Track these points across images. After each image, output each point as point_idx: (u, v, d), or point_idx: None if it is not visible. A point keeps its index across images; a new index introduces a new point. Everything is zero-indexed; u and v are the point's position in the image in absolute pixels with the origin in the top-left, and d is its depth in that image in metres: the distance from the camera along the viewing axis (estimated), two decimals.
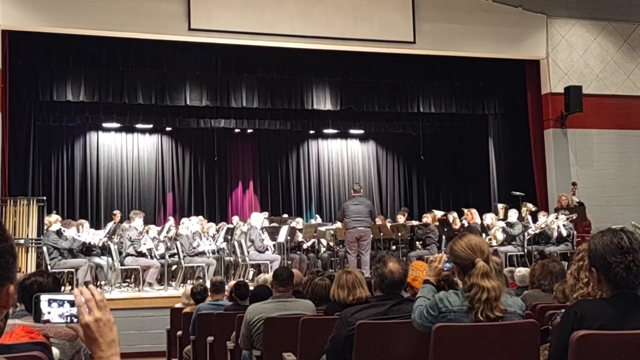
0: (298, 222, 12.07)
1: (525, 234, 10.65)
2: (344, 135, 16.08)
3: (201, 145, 15.16)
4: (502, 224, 10.94)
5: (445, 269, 3.24)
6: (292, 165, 15.94)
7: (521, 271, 5.91)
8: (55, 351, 2.84)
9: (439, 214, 12.11)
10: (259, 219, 11.06)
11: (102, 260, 9.92)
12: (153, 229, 10.77)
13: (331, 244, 11.61)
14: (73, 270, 9.27)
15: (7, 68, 10.00)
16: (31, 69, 10.82)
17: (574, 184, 11.67)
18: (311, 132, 15.50)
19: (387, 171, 16.47)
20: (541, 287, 4.61)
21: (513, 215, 10.90)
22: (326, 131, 15.49)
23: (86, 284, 8.78)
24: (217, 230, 11.79)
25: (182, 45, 10.99)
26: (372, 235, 10.50)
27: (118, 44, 10.81)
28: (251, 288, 6.43)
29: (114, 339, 1.52)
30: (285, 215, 13.65)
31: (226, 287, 7.10)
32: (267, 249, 10.61)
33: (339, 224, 10.98)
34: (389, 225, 11.42)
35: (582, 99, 11.98)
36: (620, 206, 12.11)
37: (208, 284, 8.03)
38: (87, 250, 10.00)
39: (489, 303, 2.80)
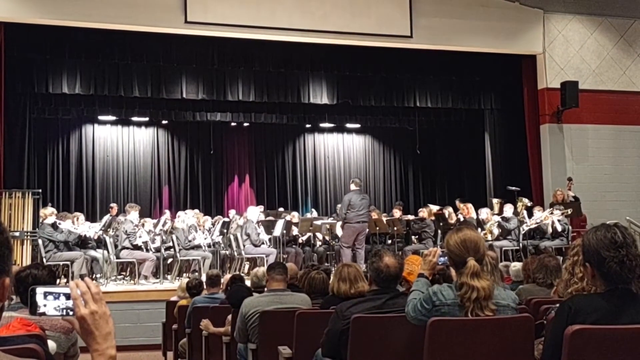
0: (294, 216, 12.07)
1: (521, 228, 10.67)
2: (340, 129, 16.07)
3: (197, 139, 15.14)
4: (498, 218, 10.96)
5: (439, 262, 3.24)
6: (288, 159, 15.93)
7: (516, 266, 5.94)
8: (51, 344, 2.85)
9: (434, 208, 12.12)
10: (254, 212, 11.06)
11: (98, 253, 9.91)
12: (149, 222, 10.76)
13: (327, 237, 11.62)
14: (68, 263, 9.26)
15: (2, 60, 9.96)
16: (26, 61, 10.77)
17: (569, 179, 11.69)
18: (307, 125, 15.48)
19: (383, 165, 16.48)
20: (536, 281, 4.63)
21: (508, 210, 10.92)
22: (322, 125, 15.47)
23: (82, 277, 8.78)
24: (213, 224, 11.79)
25: (179, 38, 10.96)
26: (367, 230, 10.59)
27: (114, 36, 10.77)
28: (247, 282, 6.46)
29: (109, 331, 1.53)
30: (281, 209, 13.65)
31: (222, 280, 7.10)
32: (262, 243, 10.61)
33: (332, 219, 10.96)
34: (384, 219, 11.44)
35: (578, 95, 12.00)
36: (616, 201, 12.15)
37: (204, 278, 8.04)
38: (82, 243, 9.99)
39: (479, 302, 2.80)
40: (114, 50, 11.00)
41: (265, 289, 4.92)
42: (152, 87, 11.51)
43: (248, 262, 10.61)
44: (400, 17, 11.41)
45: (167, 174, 15.01)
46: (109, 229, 10.09)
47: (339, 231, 10.87)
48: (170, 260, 10.49)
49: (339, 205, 11.72)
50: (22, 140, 11.21)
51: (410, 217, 12.37)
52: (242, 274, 8.06)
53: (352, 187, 10.46)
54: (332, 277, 4.29)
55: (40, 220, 9.56)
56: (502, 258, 9.96)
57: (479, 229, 10.61)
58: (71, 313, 1.53)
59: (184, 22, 10.48)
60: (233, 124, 14.75)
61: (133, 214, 10.23)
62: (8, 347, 2.25)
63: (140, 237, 10.01)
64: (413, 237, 11.70)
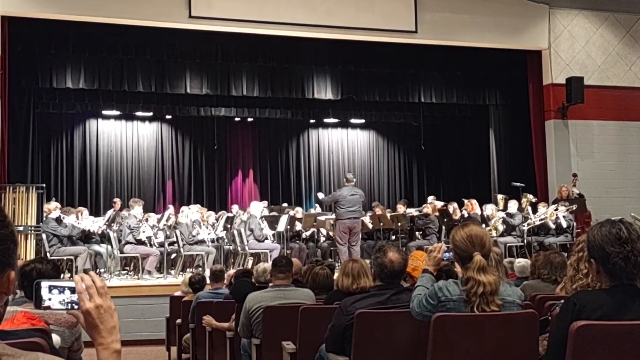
0: (298, 212, 12.07)
1: (525, 224, 10.65)
2: (344, 124, 16.06)
3: (201, 134, 15.14)
4: (503, 214, 10.94)
5: (444, 258, 3.24)
6: (292, 155, 15.93)
7: (521, 262, 5.92)
8: (55, 338, 2.85)
9: (439, 204, 12.11)
10: (258, 207, 11.05)
11: (102, 248, 9.93)
12: (152, 217, 10.77)
13: (330, 233, 11.62)
14: (72, 257, 9.28)
15: (6, 55, 9.96)
16: (31, 56, 10.78)
17: (574, 175, 11.66)
18: (312, 121, 15.48)
19: (387, 161, 16.47)
20: (541, 277, 4.62)
21: (513, 206, 10.90)
22: (327, 120, 15.47)
23: (86, 271, 8.80)
24: (217, 219, 11.79)
25: (183, 33, 10.95)
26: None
27: (118, 31, 10.74)
28: None
29: (114, 325, 1.53)
30: (285, 205, 13.65)
31: (225, 275, 7.11)
32: (266, 238, 10.61)
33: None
34: (388, 215, 11.42)
35: (583, 90, 11.95)
36: (620, 198, 12.11)
37: (207, 273, 8.05)
38: (86, 237, 10.01)
39: (485, 297, 2.80)
40: (118, 45, 10.98)
41: (270, 284, 4.92)
42: (156, 82, 11.52)
43: (252, 258, 10.61)
44: (405, 12, 11.37)
45: (171, 169, 15.03)
46: (112, 224, 10.10)
47: None
48: (173, 255, 10.50)
49: None
50: (26, 134, 11.23)
51: (415, 212, 12.36)
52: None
53: (344, 181, 10.54)
54: (337, 272, 4.29)
55: (44, 215, 9.58)
56: (506, 254, 9.95)
57: (484, 225, 10.59)
58: (76, 307, 1.53)
59: (188, 17, 10.47)
60: (237, 119, 14.75)
61: (137, 209, 10.24)
62: (12, 340, 2.25)
63: (143, 232, 10.02)
64: (417, 232, 11.69)
